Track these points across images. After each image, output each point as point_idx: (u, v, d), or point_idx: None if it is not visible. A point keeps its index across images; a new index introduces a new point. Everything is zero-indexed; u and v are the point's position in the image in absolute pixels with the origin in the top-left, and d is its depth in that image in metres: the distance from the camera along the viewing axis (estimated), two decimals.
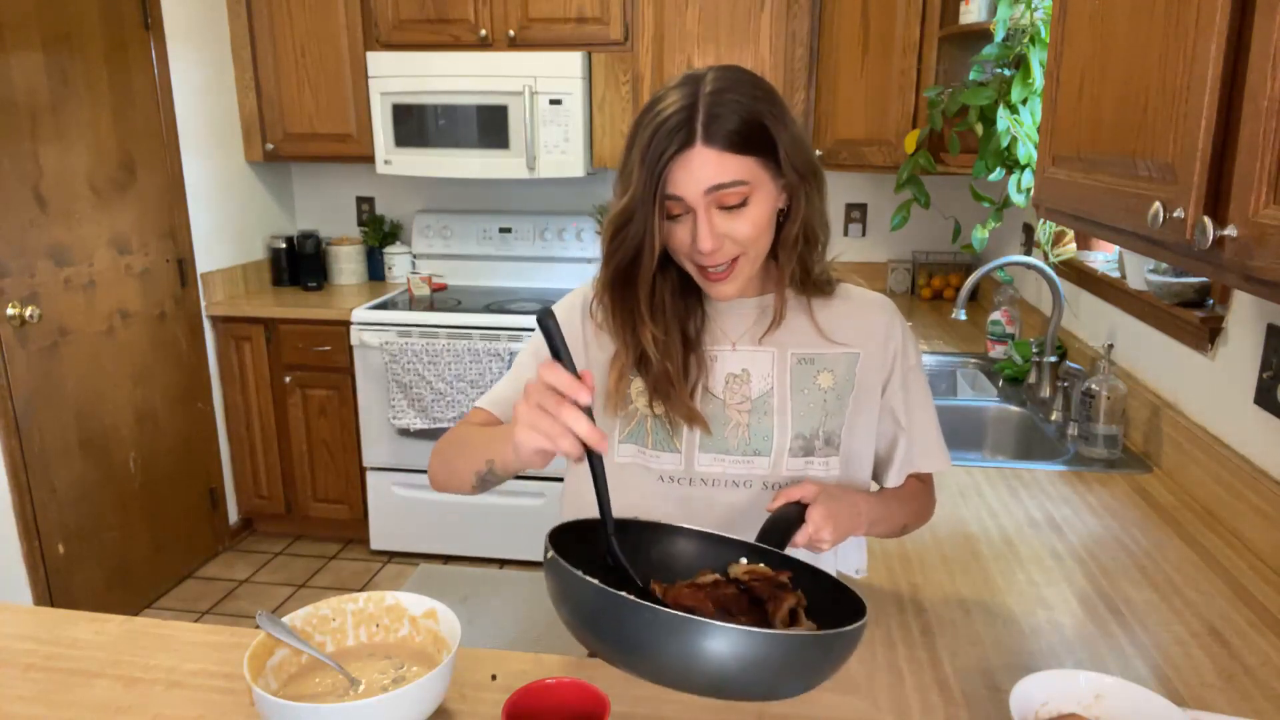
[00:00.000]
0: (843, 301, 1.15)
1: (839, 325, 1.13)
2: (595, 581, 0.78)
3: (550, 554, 0.83)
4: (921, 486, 1.22)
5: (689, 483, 1.12)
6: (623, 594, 0.76)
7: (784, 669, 0.79)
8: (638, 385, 1.11)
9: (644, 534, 0.99)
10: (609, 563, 0.92)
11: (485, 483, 1.05)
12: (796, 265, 1.08)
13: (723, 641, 0.75)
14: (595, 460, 0.85)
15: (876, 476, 1.20)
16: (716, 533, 1.00)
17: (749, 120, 0.96)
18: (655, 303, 1.07)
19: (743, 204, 0.98)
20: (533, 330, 3.06)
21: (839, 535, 0.98)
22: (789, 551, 0.97)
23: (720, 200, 0.98)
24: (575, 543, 0.89)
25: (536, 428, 0.83)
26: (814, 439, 1.11)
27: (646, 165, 0.97)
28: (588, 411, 0.83)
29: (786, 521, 0.97)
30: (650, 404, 1.10)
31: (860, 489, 1.14)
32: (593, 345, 1.14)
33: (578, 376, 0.83)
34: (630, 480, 1.13)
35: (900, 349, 1.14)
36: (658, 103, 0.98)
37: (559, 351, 0.84)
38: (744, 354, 1.12)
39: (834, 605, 0.90)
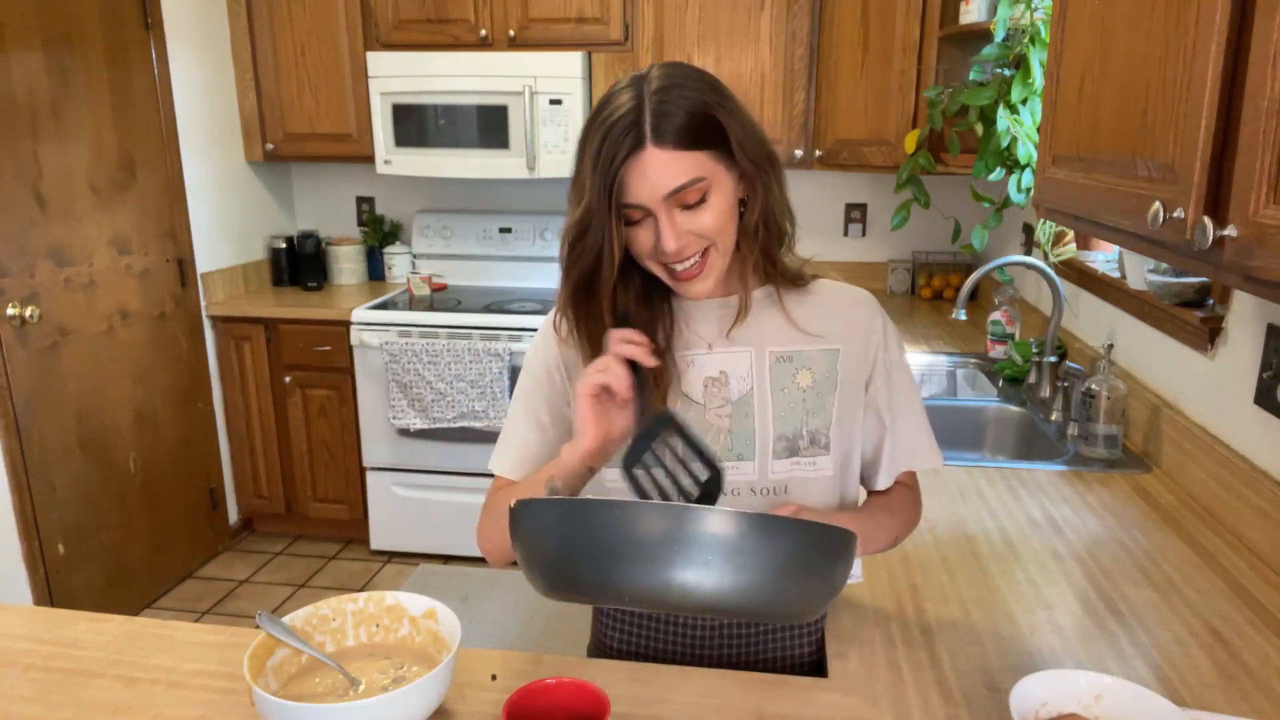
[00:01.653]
0: (819, 297, 1.13)
1: (816, 319, 1.11)
2: (560, 498, 0.78)
3: (514, 503, 0.83)
4: (908, 493, 1.18)
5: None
6: (591, 499, 0.76)
7: (775, 566, 0.77)
8: None
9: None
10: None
11: None
12: (760, 255, 1.07)
13: (711, 527, 0.74)
14: (640, 373, 0.95)
15: (865, 480, 1.18)
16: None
17: (697, 114, 0.95)
18: (618, 312, 1.05)
19: (702, 200, 0.97)
20: (533, 331, 3.07)
21: None
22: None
23: (680, 200, 0.97)
24: None
25: (589, 370, 0.95)
26: (798, 439, 1.09)
27: (599, 172, 0.95)
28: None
29: None
30: None
31: (842, 508, 1.13)
32: (572, 368, 1.11)
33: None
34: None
35: (882, 343, 1.12)
36: (605, 106, 0.97)
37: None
38: (720, 355, 1.10)
39: None
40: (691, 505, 0.74)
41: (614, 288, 1.02)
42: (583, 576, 0.79)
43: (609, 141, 0.94)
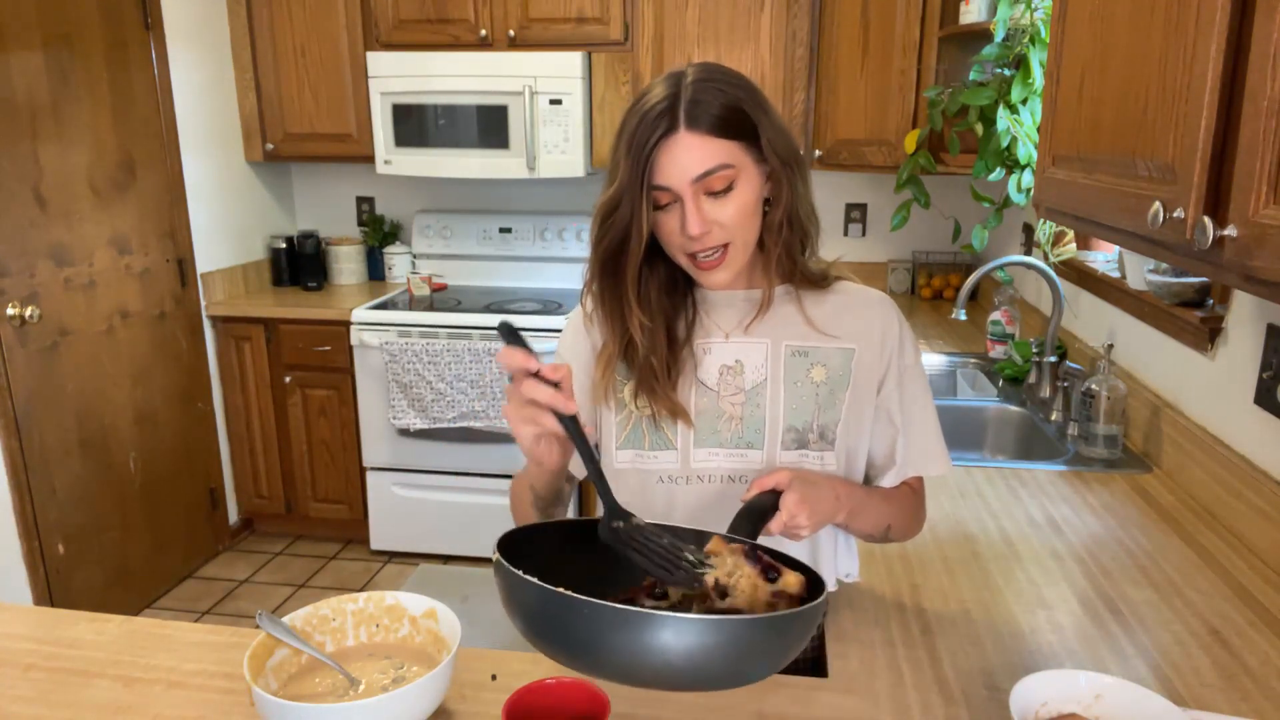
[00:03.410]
0: (838, 297, 1.14)
1: (833, 320, 1.12)
2: (535, 580, 0.77)
3: (496, 557, 0.83)
4: (911, 493, 1.18)
5: (685, 481, 1.11)
6: (564, 591, 0.75)
7: (740, 655, 0.78)
8: (631, 388, 1.11)
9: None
10: (605, 535, 0.91)
11: (546, 508, 1.06)
12: (783, 253, 1.08)
13: (673, 632, 0.74)
14: (567, 423, 0.88)
15: (871, 481, 1.18)
16: (681, 526, 0.97)
17: (731, 106, 0.99)
18: (642, 291, 1.08)
19: (729, 189, 1.00)
20: (533, 331, 3.07)
21: (816, 521, 0.96)
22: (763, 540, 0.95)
23: (707, 186, 1.00)
24: (533, 546, 0.88)
25: (517, 415, 0.89)
26: (807, 432, 1.10)
27: (632, 153, 0.99)
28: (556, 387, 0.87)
29: (760, 510, 0.95)
30: (635, 398, 1.11)
31: (840, 477, 1.12)
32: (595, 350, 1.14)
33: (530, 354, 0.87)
34: (631, 484, 1.13)
35: (897, 347, 1.13)
36: (643, 96, 1.01)
37: (514, 342, 0.88)
38: (737, 345, 1.11)
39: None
40: (656, 613, 0.75)
41: (640, 271, 1.06)
42: (555, 651, 0.80)
43: (644, 125, 0.98)
